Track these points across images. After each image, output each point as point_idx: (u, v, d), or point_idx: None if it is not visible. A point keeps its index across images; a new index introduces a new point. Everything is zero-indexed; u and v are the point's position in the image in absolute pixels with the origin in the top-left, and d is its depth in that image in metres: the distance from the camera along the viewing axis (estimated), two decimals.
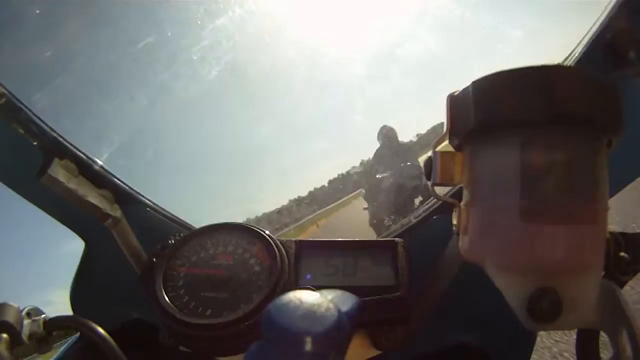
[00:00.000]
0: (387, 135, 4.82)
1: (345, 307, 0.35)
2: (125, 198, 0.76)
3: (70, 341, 0.77)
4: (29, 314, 0.61)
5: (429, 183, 0.46)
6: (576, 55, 0.71)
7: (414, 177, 4.43)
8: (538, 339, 0.78)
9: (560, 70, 0.38)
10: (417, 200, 4.42)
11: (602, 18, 0.69)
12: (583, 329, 0.50)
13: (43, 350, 0.62)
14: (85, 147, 0.74)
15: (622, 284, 0.45)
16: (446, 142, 0.45)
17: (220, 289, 0.66)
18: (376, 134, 4.90)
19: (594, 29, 0.69)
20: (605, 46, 0.68)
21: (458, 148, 0.45)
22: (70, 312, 0.74)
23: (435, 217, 0.81)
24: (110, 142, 0.91)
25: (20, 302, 0.61)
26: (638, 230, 0.47)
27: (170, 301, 0.65)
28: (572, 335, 0.52)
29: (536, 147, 0.38)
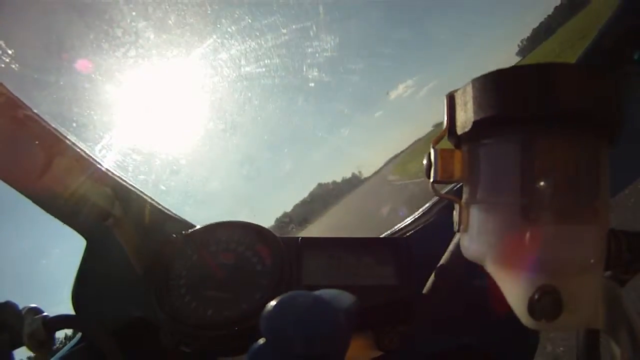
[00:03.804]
0: None
1: (343, 307, 0.35)
2: (126, 196, 0.76)
3: (72, 341, 0.77)
4: (29, 314, 0.61)
5: (430, 181, 0.46)
6: (582, 53, 0.71)
7: None
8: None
9: (560, 67, 0.37)
10: None
11: (607, 17, 0.68)
12: (583, 329, 0.50)
13: (43, 350, 0.62)
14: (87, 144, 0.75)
15: (623, 283, 0.45)
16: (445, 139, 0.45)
17: (222, 288, 0.66)
18: None
19: (599, 27, 0.69)
20: (609, 44, 0.68)
21: (457, 145, 0.45)
22: (72, 312, 0.74)
23: (437, 215, 0.81)
24: (114, 139, 0.91)
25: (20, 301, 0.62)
26: None
27: (172, 300, 0.65)
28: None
29: (537, 145, 0.38)
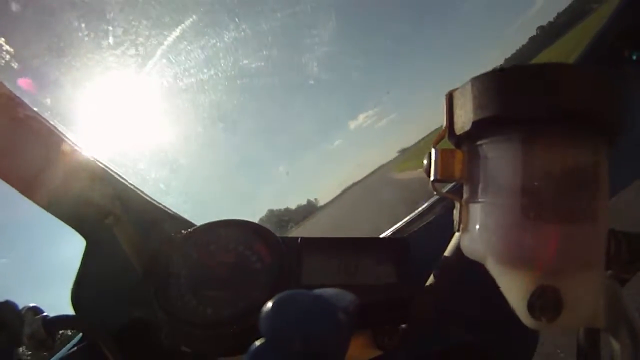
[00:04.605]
0: None
1: (343, 306, 0.35)
2: (126, 195, 0.76)
3: (72, 341, 0.77)
4: (29, 313, 0.61)
5: (430, 180, 0.46)
6: (580, 54, 0.71)
7: None
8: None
9: (561, 67, 0.37)
10: None
11: (607, 18, 0.69)
12: (583, 328, 0.50)
13: (43, 350, 0.61)
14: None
15: (623, 283, 0.45)
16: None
17: (222, 287, 0.66)
18: None
19: (600, 28, 0.69)
20: (609, 45, 0.68)
21: (458, 145, 0.45)
22: (71, 312, 0.74)
23: (436, 215, 0.81)
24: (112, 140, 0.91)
25: (21, 301, 0.61)
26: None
27: (172, 300, 0.65)
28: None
29: (537, 145, 0.38)
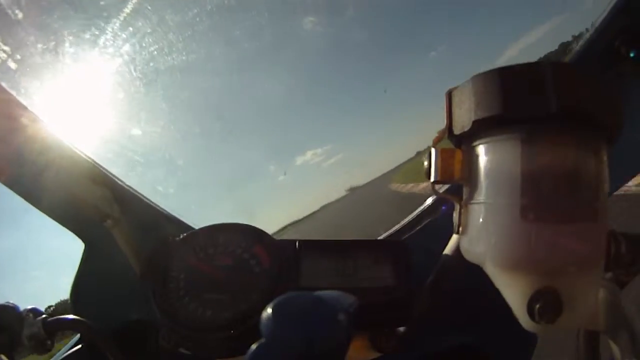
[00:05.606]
0: None
1: (343, 308, 0.35)
2: (124, 198, 0.76)
3: (70, 342, 0.77)
4: (29, 315, 0.61)
5: (430, 181, 0.46)
6: (577, 53, 0.71)
7: None
8: None
9: (561, 67, 0.37)
10: None
11: (603, 17, 0.68)
12: (583, 330, 0.50)
13: (43, 352, 0.61)
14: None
15: (623, 285, 0.45)
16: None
17: (220, 290, 0.66)
18: None
19: (595, 27, 0.69)
20: (605, 44, 0.68)
21: (458, 145, 0.45)
22: (70, 314, 0.74)
23: (434, 217, 0.81)
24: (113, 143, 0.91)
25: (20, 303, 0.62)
26: None
27: (171, 302, 0.64)
28: None
29: (537, 145, 0.38)
